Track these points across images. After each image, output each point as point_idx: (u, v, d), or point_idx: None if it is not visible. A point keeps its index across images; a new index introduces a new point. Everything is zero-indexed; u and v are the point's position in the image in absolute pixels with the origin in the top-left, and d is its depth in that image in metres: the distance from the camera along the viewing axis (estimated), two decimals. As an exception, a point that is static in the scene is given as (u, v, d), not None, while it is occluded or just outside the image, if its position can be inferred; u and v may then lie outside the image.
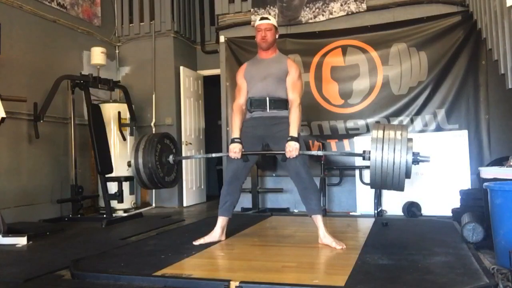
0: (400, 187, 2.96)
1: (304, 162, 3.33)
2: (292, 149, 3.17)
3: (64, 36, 5.73)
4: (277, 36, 3.47)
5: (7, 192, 4.70)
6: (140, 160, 3.47)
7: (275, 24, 3.46)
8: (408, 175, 2.91)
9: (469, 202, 4.10)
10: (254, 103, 3.39)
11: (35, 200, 5.08)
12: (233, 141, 3.36)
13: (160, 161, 3.55)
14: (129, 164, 3.58)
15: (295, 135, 3.21)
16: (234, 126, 3.42)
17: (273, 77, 3.37)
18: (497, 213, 2.79)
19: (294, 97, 3.32)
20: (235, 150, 3.32)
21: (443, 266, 2.67)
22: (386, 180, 2.93)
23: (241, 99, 3.47)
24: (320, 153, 3.44)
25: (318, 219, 3.32)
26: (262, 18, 3.45)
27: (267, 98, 3.35)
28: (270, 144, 3.49)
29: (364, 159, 3.12)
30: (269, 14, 5.85)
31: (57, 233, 4.27)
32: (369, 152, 2.98)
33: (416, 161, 2.97)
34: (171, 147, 3.73)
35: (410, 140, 2.94)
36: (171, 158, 3.64)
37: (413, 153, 2.93)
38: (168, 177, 3.66)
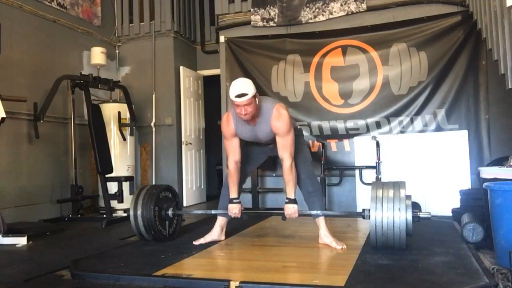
0: (401, 245, 3.00)
1: (309, 170, 3.37)
2: (291, 212, 3.22)
3: (64, 36, 5.72)
4: (257, 101, 3.06)
5: (7, 192, 4.70)
6: (140, 221, 3.43)
7: (254, 93, 2.99)
8: (409, 233, 2.96)
9: (469, 202, 4.10)
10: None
11: (35, 200, 5.07)
12: (231, 201, 3.35)
13: (160, 217, 3.52)
14: (128, 216, 3.55)
15: (293, 197, 3.22)
16: (232, 186, 3.34)
17: (267, 141, 3.30)
18: (497, 213, 2.79)
19: (285, 156, 3.16)
20: (235, 212, 3.33)
21: (443, 266, 2.68)
22: (387, 240, 2.97)
23: (235, 156, 3.29)
24: (319, 213, 3.28)
25: (321, 220, 3.34)
26: (238, 96, 2.95)
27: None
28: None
29: (364, 218, 3.16)
30: (269, 14, 5.86)
31: (57, 233, 4.27)
32: (369, 210, 3.02)
33: (416, 219, 3.02)
34: (170, 197, 3.69)
35: (408, 197, 2.99)
36: (170, 212, 3.60)
37: (413, 211, 2.99)
38: (170, 229, 3.63)
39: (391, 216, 2.92)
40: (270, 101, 3.25)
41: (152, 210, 3.43)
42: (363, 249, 3.14)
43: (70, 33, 5.84)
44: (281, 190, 5.72)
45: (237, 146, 3.29)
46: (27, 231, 3.91)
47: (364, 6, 5.53)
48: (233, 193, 3.35)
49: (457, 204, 4.37)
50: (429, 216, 3.10)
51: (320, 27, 5.74)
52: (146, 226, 3.44)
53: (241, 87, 2.98)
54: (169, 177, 6.35)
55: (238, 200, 3.35)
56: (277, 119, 3.10)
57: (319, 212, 3.28)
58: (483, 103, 5.18)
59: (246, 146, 3.42)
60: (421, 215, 3.07)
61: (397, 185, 3.04)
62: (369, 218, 3.02)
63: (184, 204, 6.44)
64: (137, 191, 3.59)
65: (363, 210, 3.16)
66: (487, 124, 5.17)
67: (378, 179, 4.97)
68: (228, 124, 3.24)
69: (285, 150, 3.16)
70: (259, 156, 3.53)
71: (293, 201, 3.21)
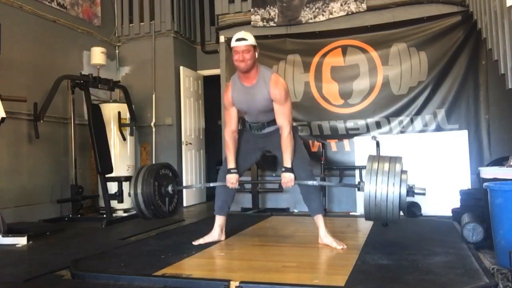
0: (394, 219, 2.98)
1: (307, 169, 3.34)
2: (287, 180, 3.21)
3: (64, 36, 5.73)
4: (257, 55, 3.14)
5: (7, 192, 4.70)
6: (140, 198, 3.44)
7: (254, 43, 3.11)
8: (402, 208, 2.94)
9: (469, 202, 4.10)
10: (253, 127, 3.42)
11: (35, 200, 5.07)
12: (229, 171, 3.35)
13: (160, 193, 3.53)
14: (129, 195, 3.55)
15: (289, 165, 3.21)
16: (229, 156, 3.36)
17: (262, 110, 3.28)
18: (497, 213, 2.79)
19: (283, 123, 3.17)
20: (232, 181, 3.33)
21: (443, 266, 2.67)
22: (380, 212, 2.94)
23: (233, 126, 3.35)
24: (315, 183, 3.24)
25: (320, 218, 3.33)
26: (238, 39, 3.07)
27: (265, 122, 3.36)
28: (271, 150, 3.53)
29: (358, 190, 3.14)
30: (269, 14, 5.87)
31: (57, 233, 4.27)
32: (364, 183, 3.00)
33: (411, 194, 2.99)
34: (170, 176, 3.70)
35: (404, 172, 2.96)
36: (170, 188, 3.61)
37: (408, 185, 2.96)
38: (170, 206, 3.64)
39: (384, 189, 2.88)
40: (268, 68, 3.35)
41: (151, 185, 3.45)
42: (363, 249, 3.14)
43: (70, 33, 5.84)
44: (281, 190, 5.72)
45: (235, 117, 3.35)
46: (27, 231, 3.91)
47: (364, 6, 5.53)
48: (231, 163, 3.35)
49: (457, 204, 4.37)
50: (424, 192, 3.05)
51: (320, 27, 5.75)
52: (146, 201, 3.44)
53: (242, 34, 3.11)
54: (169, 177, 6.35)
55: (235, 170, 3.34)
56: (276, 85, 3.15)
57: (315, 182, 3.24)
58: (483, 103, 5.18)
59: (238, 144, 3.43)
60: (416, 190, 3.02)
61: (393, 160, 3.01)
62: (363, 190, 2.98)
63: (184, 204, 6.44)
64: (137, 170, 3.61)
65: (359, 182, 3.14)
66: (487, 124, 5.17)
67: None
68: (227, 93, 3.33)
69: (283, 117, 3.18)
70: (253, 153, 3.51)
71: (290, 170, 3.20)
